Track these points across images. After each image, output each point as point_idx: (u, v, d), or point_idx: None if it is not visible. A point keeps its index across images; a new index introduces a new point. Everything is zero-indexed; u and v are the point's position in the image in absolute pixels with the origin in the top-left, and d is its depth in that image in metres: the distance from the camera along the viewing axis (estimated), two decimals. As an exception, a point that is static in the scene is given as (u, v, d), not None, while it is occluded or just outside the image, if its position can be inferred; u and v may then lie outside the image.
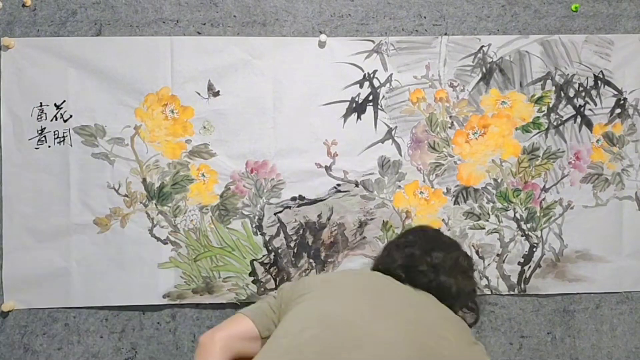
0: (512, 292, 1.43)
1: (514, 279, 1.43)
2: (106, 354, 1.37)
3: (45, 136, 1.33)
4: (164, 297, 1.36)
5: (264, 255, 1.39)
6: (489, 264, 1.42)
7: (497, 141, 1.41)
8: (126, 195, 1.35)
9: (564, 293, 1.44)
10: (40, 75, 1.33)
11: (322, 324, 0.82)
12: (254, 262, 1.38)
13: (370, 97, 1.39)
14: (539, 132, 1.42)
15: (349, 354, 0.77)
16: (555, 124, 1.42)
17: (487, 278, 1.42)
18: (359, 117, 1.39)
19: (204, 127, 1.36)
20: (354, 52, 1.39)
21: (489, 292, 1.42)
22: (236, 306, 1.38)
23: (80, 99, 1.34)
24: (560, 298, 1.44)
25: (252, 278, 1.38)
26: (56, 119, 1.33)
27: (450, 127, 1.40)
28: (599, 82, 1.43)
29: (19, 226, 1.33)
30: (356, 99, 1.39)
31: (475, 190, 1.41)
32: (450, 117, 1.40)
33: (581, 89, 1.43)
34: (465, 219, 1.41)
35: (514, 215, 1.42)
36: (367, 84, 1.39)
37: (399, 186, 1.40)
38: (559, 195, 1.43)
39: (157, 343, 1.38)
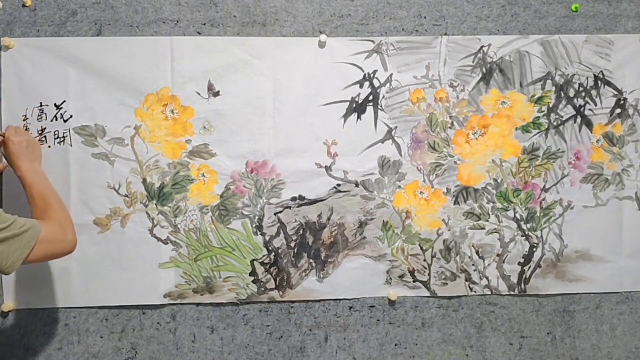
0: (512, 292, 1.43)
1: (514, 279, 1.43)
2: (106, 354, 1.37)
3: (45, 136, 1.33)
4: (164, 296, 1.36)
5: (264, 255, 1.39)
6: (489, 264, 1.42)
7: (497, 141, 1.42)
8: (126, 195, 1.35)
9: (564, 293, 1.44)
10: (40, 75, 1.33)
11: None
12: (254, 262, 1.39)
13: (370, 97, 1.39)
14: (539, 132, 1.42)
15: None
16: (555, 124, 1.42)
17: (487, 278, 1.42)
18: (359, 117, 1.39)
19: (204, 127, 1.36)
20: (354, 52, 1.39)
21: (489, 292, 1.42)
22: (236, 305, 1.39)
23: (80, 99, 1.34)
24: (560, 298, 1.44)
25: (252, 278, 1.39)
26: (56, 119, 1.33)
27: (450, 127, 1.41)
28: (599, 82, 1.43)
29: (19, 226, 1.33)
30: (356, 99, 1.39)
31: (475, 190, 1.42)
32: (450, 117, 1.40)
33: (581, 89, 1.43)
34: (465, 219, 1.41)
35: (514, 215, 1.42)
36: (367, 84, 1.39)
37: (399, 186, 1.40)
38: (559, 195, 1.43)
39: (157, 343, 1.38)
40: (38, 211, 1.15)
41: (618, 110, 1.43)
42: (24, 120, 1.33)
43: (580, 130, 1.43)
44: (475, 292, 1.42)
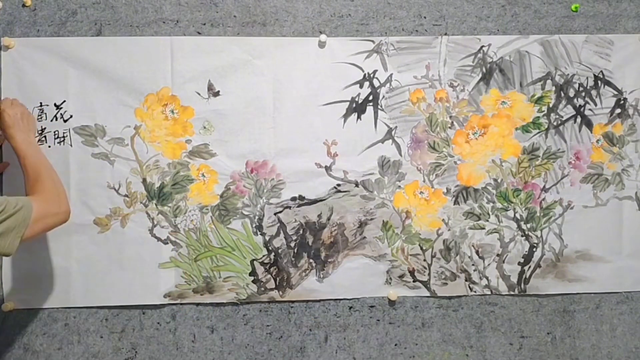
0: (512, 292, 1.43)
1: (514, 279, 1.43)
2: (106, 354, 1.37)
3: (45, 136, 1.33)
4: (164, 296, 1.36)
5: (264, 255, 1.39)
6: (489, 264, 1.42)
7: (497, 141, 1.42)
8: (126, 195, 1.35)
9: (564, 293, 1.44)
10: (40, 75, 1.33)
11: None
12: (254, 262, 1.39)
13: (370, 97, 1.39)
14: (539, 132, 1.42)
15: None
16: (555, 124, 1.42)
17: (487, 278, 1.42)
18: (359, 117, 1.39)
19: (204, 127, 1.36)
20: (354, 52, 1.39)
21: (489, 292, 1.42)
22: (236, 305, 1.39)
23: (80, 99, 1.34)
24: (560, 298, 1.44)
25: (252, 278, 1.39)
26: (56, 119, 1.33)
27: (450, 127, 1.41)
28: (599, 82, 1.43)
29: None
30: (356, 99, 1.39)
31: (475, 190, 1.42)
32: (450, 117, 1.40)
33: (581, 89, 1.43)
34: (465, 219, 1.41)
35: (514, 215, 1.42)
36: (367, 84, 1.39)
37: (399, 186, 1.40)
38: (559, 195, 1.43)
39: (157, 343, 1.38)
40: (31, 182, 1.17)
41: (618, 110, 1.43)
42: (24, 120, 1.32)
43: (580, 130, 1.43)
44: (475, 292, 1.42)
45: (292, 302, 1.40)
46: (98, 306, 1.36)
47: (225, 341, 1.39)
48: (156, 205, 1.36)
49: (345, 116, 1.39)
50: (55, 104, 1.33)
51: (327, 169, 1.39)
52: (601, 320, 1.45)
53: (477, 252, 1.42)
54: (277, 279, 1.39)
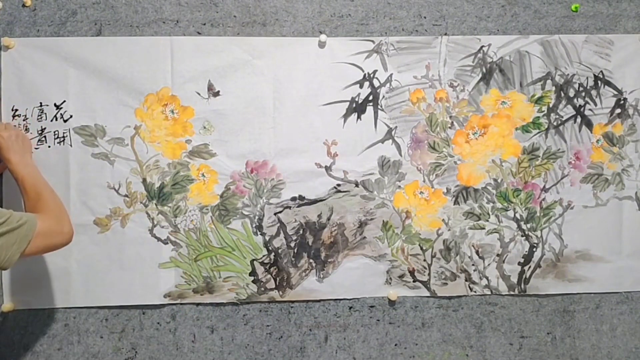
0: (512, 292, 1.43)
1: (514, 279, 1.43)
2: (106, 354, 1.37)
3: (45, 136, 1.33)
4: (164, 296, 1.36)
5: (264, 255, 1.39)
6: (489, 264, 1.42)
7: (497, 141, 1.42)
8: (126, 195, 1.36)
9: (564, 293, 1.44)
10: (40, 75, 1.33)
11: None
12: (254, 262, 1.39)
13: (370, 97, 1.39)
14: (539, 132, 1.42)
15: None
16: (555, 124, 1.42)
17: (487, 278, 1.42)
18: (359, 117, 1.39)
19: (204, 127, 1.36)
20: (354, 52, 1.39)
21: (489, 292, 1.42)
22: (236, 305, 1.39)
23: (80, 99, 1.34)
24: (560, 298, 1.44)
25: (252, 278, 1.39)
26: (56, 119, 1.34)
27: (450, 127, 1.41)
28: (599, 82, 1.43)
29: (19, 226, 1.33)
30: (356, 99, 1.39)
31: (475, 190, 1.42)
32: (450, 117, 1.40)
33: (581, 89, 1.43)
34: (465, 219, 1.41)
35: (514, 215, 1.42)
36: (367, 84, 1.39)
37: (399, 186, 1.40)
38: (559, 195, 1.43)
39: (157, 343, 1.38)
40: (31, 203, 1.16)
41: (618, 110, 1.43)
42: (24, 120, 1.33)
43: (580, 130, 1.43)
44: (475, 292, 1.42)
45: (292, 302, 1.40)
46: (98, 306, 1.36)
47: (225, 341, 1.39)
48: (156, 205, 1.36)
49: (345, 116, 1.39)
50: (55, 104, 1.33)
51: (327, 169, 1.39)
52: (601, 320, 1.45)
53: (477, 252, 1.42)
54: (277, 279, 1.39)
